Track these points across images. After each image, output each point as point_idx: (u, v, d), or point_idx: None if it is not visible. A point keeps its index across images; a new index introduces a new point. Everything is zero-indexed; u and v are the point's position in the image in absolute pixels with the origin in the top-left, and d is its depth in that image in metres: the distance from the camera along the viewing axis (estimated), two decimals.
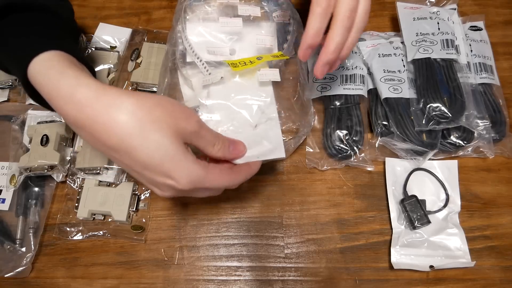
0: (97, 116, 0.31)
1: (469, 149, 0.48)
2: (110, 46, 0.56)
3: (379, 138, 0.49)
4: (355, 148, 0.48)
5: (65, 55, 0.36)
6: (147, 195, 0.49)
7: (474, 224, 0.47)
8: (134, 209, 0.47)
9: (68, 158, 0.49)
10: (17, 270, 0.44)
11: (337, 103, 0.50)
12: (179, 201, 0.49)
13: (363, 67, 0.52)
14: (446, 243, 0.45)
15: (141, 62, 0.54)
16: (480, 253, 0.45)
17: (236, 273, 0.45)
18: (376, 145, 0.49)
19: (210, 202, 0.48)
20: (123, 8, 0.61)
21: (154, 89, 0.52)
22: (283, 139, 0.42)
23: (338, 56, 0.38)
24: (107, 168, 0.48)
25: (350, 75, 0.51)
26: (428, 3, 0.55)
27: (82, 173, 0.48)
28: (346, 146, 0.48)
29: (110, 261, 0.46)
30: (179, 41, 0.49)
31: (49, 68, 0.34)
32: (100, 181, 0.48)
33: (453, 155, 0.49)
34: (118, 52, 0.56)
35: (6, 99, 0.54)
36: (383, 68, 0.51)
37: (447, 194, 0.47)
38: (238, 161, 0.39)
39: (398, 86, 0.49)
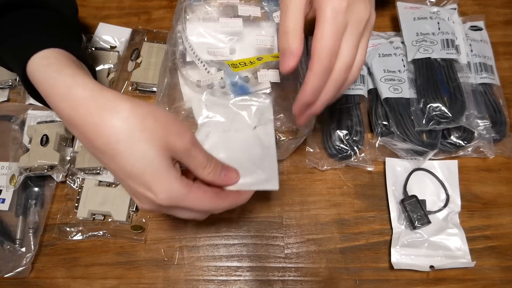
0: (89, 116, 0.31)
1: (469, 149, 0.48)
2: (110, 46, 0.56)
3: (379, 138, 0.49)
4: (355, 148, 0.48)
5: (65, 53, 0.36)
6: None
7: (474, 224, 0.47)
8: (134, 209, 0.47)
9: (68, 158, 0.49)
10: (17, 270, 0.44)
11: (337, 103, 0.50)
12: None
13: (363, 67, 0.52)
14: (446, 243, 0.45)
15: (141, 62, 0.54)
16: (480, 253, 0.45)
17: (236, 273, 0.45)
18: (376, 145, 0.49)
19: None
20: (123, 8, 0.61)
21: (154, 89, 0.53)
22: (277, 170, 0.39)
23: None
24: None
25: None
26: (428, 3, 0.55)
27: (82, 173, 0.48)
28: (346, 146, 0.48)
29: (110, 261, 0.46)
30: (179, 41, 0.49)
31: (47, 66, 0.34)
32: (100, 181, 0.48)
33: (453, 155, 0.49)
34: (118, 52, 0.56)
35: (6, 99, 0.54)
36: (383, 68, 0.51)
37: (447, 194, 0.47)
38: (229, 188, 0.37)
39: (398, 86, 0.49)
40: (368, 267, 0.45)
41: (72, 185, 0.48)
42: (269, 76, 0.46)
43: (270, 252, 0.46)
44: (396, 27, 0.56)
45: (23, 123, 0.51)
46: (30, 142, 0.49)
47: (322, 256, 0.46)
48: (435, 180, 0.48)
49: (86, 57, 0.40)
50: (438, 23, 0.51)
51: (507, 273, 0.45)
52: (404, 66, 0.51)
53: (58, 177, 0.48)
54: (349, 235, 0.46)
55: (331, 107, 0.50)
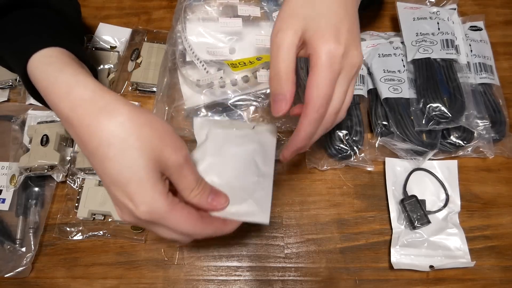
0: (86, 117, 0.30)
1: (469, 149, 0.48)
2: (110, 46, 0.56)
3: (379, 138, 0.49)
4: (355, 148, 0.48)
5: (66, 53, 0.36)
6: None
7: (474, 224, 0.47)
8: None
9: (68, 158, 0.49)
10: (17, 270, 0.44)
11: None
12: None
13: (363, 67, 0.52)
14: (446, 243, 0.45)
15: (141, 62, 0.54)
16: (480, 253, 0.45)
17: (236, 273, 0.45)
18: (376, 145, 0.49)
19: None
20: (123, 8, 0.61)
21: (154, 89, 0.53)
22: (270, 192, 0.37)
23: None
24: None
25: None
26: (428, 3, 0.55)
27: (82, 173, 0.48)
28: (346, 146, 0.48)
29: (110, 261, 0.46)
30: (178, 41, 0.49)
31: (47, 65, 0.34)
32: (100, 181, 0.48)
33: (453, 155, 0.49)
34: (118, 52, 0.56)
35: (6, 99, 0.54)
36: (383, 68, 0.51)
37: (447, 194, 0.47)
38: (215, 214, 0.35)
39: (398, 86, 0.49)
40: (368, 267, 0.45)
41: (72, 185, 0.48)
42: (268, 76, 0.46)
43: (270, 252, 0.46)
44: (396, 27, 0.56)
45: (23, 123, 0.51)
46: (30, 142, 0.49)
47: (322, 256, 0.46)
48: (435, 180, 0.48)
49: (88, 57, 0.40)
50: (438, 23, 0.51)
51: (507, 273, 0.45)
52: (404, 66, 0.51)
53: (58, 177, 0.48)
54: (349, 235, 0.47)
55: None
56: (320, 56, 0.31)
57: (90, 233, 0.47)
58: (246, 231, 0.47)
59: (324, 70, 0.32)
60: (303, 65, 0.53)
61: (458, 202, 0.47)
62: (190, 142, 0.48)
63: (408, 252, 0.45)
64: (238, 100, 0.48)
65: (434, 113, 0.46)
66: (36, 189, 0.49)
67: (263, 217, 0.36)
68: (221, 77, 0.46)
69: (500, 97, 0.51)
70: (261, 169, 0.38)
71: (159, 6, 0.61)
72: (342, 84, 0.33)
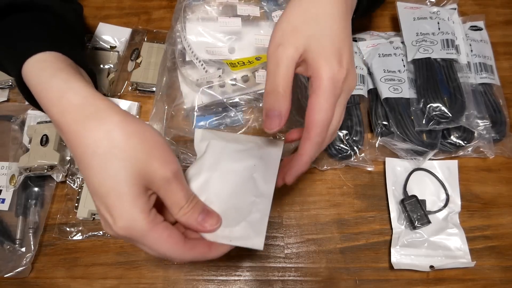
0: (73, 123, 0.30)
1: (469, 149, 0.48)
2: (110, 46, 0.56)
3: (379, 138, 0.49)
4: (355, 148, 0.48)
5: (62, 57, 0.36)
6: None
7: (474, 224, 0.47)
8: None
9: (68, 158, 0.49)
10: (17, 270, 0.44)
11: None
12: None
13: (363, 67, 0.52)
14: (446, 243, 0.45)
15: (141, 62, 0.54)
16: (480, 253, 0.45)
17: (236, 273, 0.45)
18: (376, 145, 0.49)
19: None
20: (123, 8, 0.61)
21: (154, 89, 0.52)
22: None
23: None
24: None
25: None
26: (428, 3, 0.55)
27: None
28: (346, 146, 0.48)
29: (110, 261, 0.46)
30: (178, 40, 0.49)
31: (41, 70, 0.34)
32: None
33: (453, 155, 0.49)
34: (118, 52, 0.56)
35: (6, 99, 0.54)
36: (383, 68, 0.51)
37: (447, 194, 0.47)
38: (206, 236, 0.33)
39: (398, 86, 0.49)
40: (368, 267, 0.45)
41: (72, 185, 0.48)
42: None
43: (270, 252, 0.46)
44: (396, 27, 0.56)
45: (23, 123, 0.51)
46: (30, 142, 0.49)
47: (322, 256, 0.46)
48: (435, 180, 0.48)
49: (86, 62, 0.40)
50: (438, 23, 0.51)
51: (507, 273, 0.45)
52: (404, 66, 0.51)
53: (58, 177, 0.48)
54: (349, 235, 0.46)
55: None
56: (324, 80, 0.31)
57: (90, 233, 0.47)
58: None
59: (327, 94, 0.31)
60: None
61: (459, 202, 0.47)
62: (190, 142, 0.48)
63: (408, 252, 0.45)
64: (237, 100, 0.48)
65: (434, 113, 0.46)
66: (36, 189, 0.49)
67: (256, 243, 0.33)
68: (220, 77, 0.46)
69: (501, 97, 0.51)
70: (260, 188, 0.35)
71: (159, 6, 0.61)
72: (340, 107, 0.33)
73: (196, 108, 0.47)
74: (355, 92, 0.50)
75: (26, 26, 0.39)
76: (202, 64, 0.46)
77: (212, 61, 0.48)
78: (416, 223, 0.45)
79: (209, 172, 0.35)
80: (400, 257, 0.45)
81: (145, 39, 0.57)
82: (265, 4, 0.51)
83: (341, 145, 0.48)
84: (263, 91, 0.48)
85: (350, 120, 0.49)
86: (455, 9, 0.54)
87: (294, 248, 0.46)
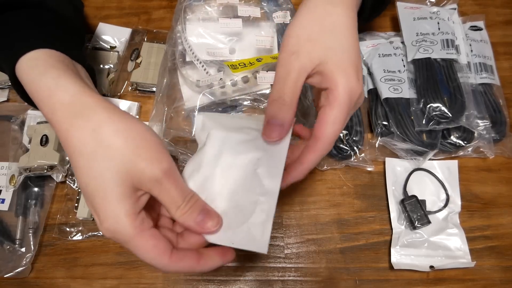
0: (62, 122, 0.30)
1: (469, 149, 0.48)
2: (110, 46, 0.56)
3: (379, 138, 0.49)
4: (355, 148, 0.48)
5: (55, 54, 0.35)
6: None
7: (474, 224, 0.47)
8: None
9: (68, 158, 0.49)
10: (16, 270, 0.44)
11: None
12: None
13: (363, 67, 0.52)
14: (446, 243, 0.45)
15: (140, 62, 0.54)
16: (480, 253, 0.45)
17: (236, 273, 0.45)
18: (376, 145, 0.49)
19: None
20: (123, 8, 0.61)
21: (154, 89, 0.52)
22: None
23: None
24: None
25: None
26: (428, 3, 0.55)
27: None
28: (346, 146, 0.48)
29: (110, 261, 0.46)
30: (178, 41, 0.49)
31: (32, 68, 0.33)
32: None
33: (453, 155, 0.49)
34: (118, 52, 0.56)
35: (6, 99, 0.54)
36: (383, 68, 0.51)
37: (447, 194, 0.47)
38: (207, 238, 0.31)
39: (398, 86, 0.49)
40: (368, 267, 0.45)
41: (72, 185, 0.48)
42: (268, 78, 0.46)
43: (270, 252, 0.46)
44: (396, 27, 0.56)
45: (23, 123, 0.51)
46: (30, 142, 0.49)
47: (322, 256, 0.46)
48: (435, 180, 0.48)
49: (83, 57, 0.39)
50: (438, 23, 0.51)
51: (507, 273, 0.45)
52: (404, 66, 0.51)
53: (58, 177, 0.48)
54: (349, 235, 0.46)
55: None
56: (342, 94, 0.31)
57: (90, 233, 0.47)
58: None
59: (343, 108, 0.31)
60: None
61: (459, 202, 0.47)
62: (190, 143, 0.48)
63: (408, 252, 0.45)
64: (238, 101, 0.48)
65: (434, 113, 0.46)
66: (36, 189, 0.49)
67: (260, 246, 0.31)
68: (221, 78, 0.46)
69: (501, 97, 0.51)
70: (265, 185, 0.33)
71: (159, 6, 0.61)
72: (348, 120, 0.33)
73: (196, 109, 0.47)
74: None
75: (19, 24, 0.38)
76: (202, 65, 0.46)
77: (213, 63, 0.48)
78: (416, 223, 0.45)
79: (210, 167, 0.33)
80: (400, 257, 0.45)
81: (145, 39, 0.57)
82: (265, 4, 0.51)
83: (341, 145, 0.48)
84: (264, 91, 0.48)
85: (350, 120, 0.49)
86: (455, 9, 0.54)
87: (294, 248, 0.46)
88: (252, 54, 0.49)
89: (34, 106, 0.36)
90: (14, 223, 0.47)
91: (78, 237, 0.47)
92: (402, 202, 0.46)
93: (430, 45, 0.50)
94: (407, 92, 0.49)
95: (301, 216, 0.47)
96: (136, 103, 0.52)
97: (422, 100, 0.47)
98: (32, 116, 0.51)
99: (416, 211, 0.45)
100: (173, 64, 0.49)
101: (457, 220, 0.46)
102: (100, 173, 0.28)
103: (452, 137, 0.48)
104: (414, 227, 0.45)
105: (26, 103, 0.52)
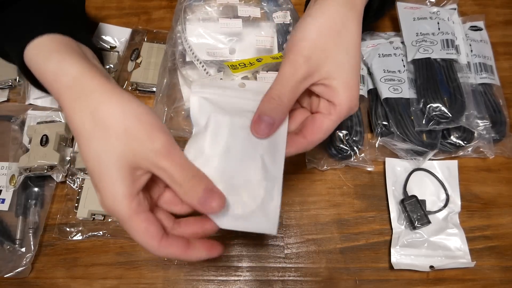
0: (66, 104, 0.31)
1: (469, 149, 0.48)
2: (110, 46, 0.56)
3: (379, 138, 0.49)
4: (355, 148, 0.48)
5: (57, 39, 0.35)
6: None
7: (474, 224, 0.47)
8: None
9: (68, 158, 0.49)
10: (16, 270, 0.44)
11: None
12: None
13: (363, 67, 0.52)
14: (446, 243, 0.45)
15: (140, 62, 0.54)
16: (480, 253, 0.45)
17: (236, 273, 0.45)
18: (376, 145, 0.49)
19: None
20: (123, 8, 0.61)
21: (154, 89, 0.52)
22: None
23: None
24: None
25: None
26: (428, 3, 0.55)
27: (82, 173, 0.48)
28: (346, 146, 0.48)
29: (110, 261, 0.46)
30: (178, 41, 0.49)
31: (37, 55, 0.34)
32: None
33: (453, 155, 0.49)
34: (118, 52, 0.56)
35: (6, 99, 0.54)
36: (383, 68, 0.51)
37: (447, 194, 0.47)
38: (215, 220, 0.31)
39: (398, 86, 0.49)
40: (368, 267, 0.45)
41: (72, 185, 0.48)
42: (268, 79, 0.46)
43: (270, 252, 0.46)
44: (396, 27, 0.56)
45: (23, 123, 0.51)
46: (30, 142, 0.49)
47: (322, 256, 0.46)
48: (435, 180, 0.48)
49: (89, 39, 0.39)
50: (438, 23, 0.51)
51: (507, 273, 0.45)
52: (404, 66, 0.51)
53: (58, 177, 0.48)
54: (349, 235, 0.46)
55: None
56: (345, 110, 0.33)
57: (90, 233, 0.47)
58: (246, 231, 0.47)
59: (339, 119, 0.33)
60: None
61: (458, 202, 0.47)
62: None
63: (408, 252, 0.45)
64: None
65: (434, 113, 0.46)
66: (36, 189, 0.49)
67: (270, 227, 0.32)
68: (221, 79, 0.46)
69: (501, 97, 0.51)
70: (270, 170, 0.33)
71: (159, 6, 0.61)
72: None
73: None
74: None
75: (22, 14, 0.38)
76: (202, 65, 0.46)
77: (213, 63, 0.48)
78: (416, 223, 0.45)
79: (213, 152, 0.33)
80: (400, 257, 0.45)
81: (145, 39, 0.57)
82: (265, 4, 0.51)
83: (341, 145, 0.48)
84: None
85: (350, 120, 0.49)
86: (455, 9, 0.54)
87: (294, 248, 0.46)
88: (252, 54, 0.49)
89: (48, 92, 0.36)
90: (14, 223, 0.47)
91: (78, 237, 0.47)
92: (402, 202, 0.46)
93: (430, 45, 0.50)
94: (407, 92, 0.49)
95: (301, 216, 0.47)
96: None
97: (422, 100, 0.47)
98: (32, 116, 0.51)
99: (416, 211, 0.45)
100: (173, 64, 0.49)
101: (457, 220, 0.46)
102: (97, 154, 0.29)
103: (452, 137, 0.48)
104: (414, 227, 0.45)
105: (26, 103, 0.53)
